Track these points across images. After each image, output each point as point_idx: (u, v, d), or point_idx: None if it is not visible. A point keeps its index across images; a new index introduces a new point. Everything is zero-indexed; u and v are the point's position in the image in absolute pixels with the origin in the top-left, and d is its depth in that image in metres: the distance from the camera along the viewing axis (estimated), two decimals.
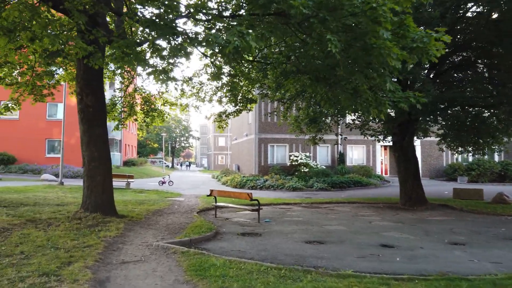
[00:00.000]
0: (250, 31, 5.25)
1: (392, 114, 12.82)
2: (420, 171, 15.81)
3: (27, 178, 23.08)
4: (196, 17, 6.59)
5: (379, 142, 17.21)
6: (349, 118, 16.53)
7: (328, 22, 5.18)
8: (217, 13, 6.76)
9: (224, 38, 4.96)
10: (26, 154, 27.53)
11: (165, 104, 14.74)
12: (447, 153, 28.16)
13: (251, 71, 12.25)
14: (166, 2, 5.89)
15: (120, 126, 13.54)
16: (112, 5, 8.47)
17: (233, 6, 8.01)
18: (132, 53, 6.39)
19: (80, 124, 8.91)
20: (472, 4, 11.35)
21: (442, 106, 12.47)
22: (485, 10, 11.11)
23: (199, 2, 6.11)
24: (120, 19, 8.81)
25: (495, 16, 11.04)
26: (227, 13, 7.20)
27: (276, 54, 10.76)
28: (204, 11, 6.23)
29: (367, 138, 15.62)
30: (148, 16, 6.84)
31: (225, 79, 11.83)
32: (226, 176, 27.59)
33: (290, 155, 26.43)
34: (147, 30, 6.75)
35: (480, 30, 10.81)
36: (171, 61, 6.97)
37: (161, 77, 6.69)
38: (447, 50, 5.72)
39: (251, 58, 10.97)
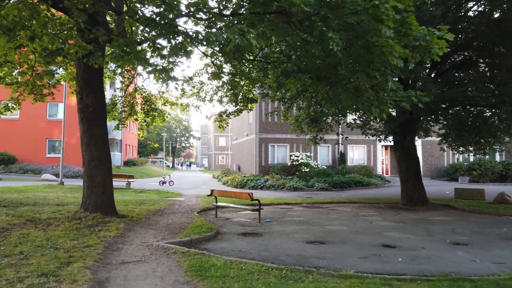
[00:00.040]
0: (251, 29, 5.20)
1: (394, 113, 12.78)
2: (421, 171, 15.75)
3: (28, 178, 23.06)
4: (197, 16, 6.54)
5: (380, 141, 17.17)
6: (350, 118, 16.48)
7: (330, 20, 5.13)
8: (217, 11, 6.71)
9: (225, 36, 4.91)
10: (26, 154, 27.52)
11: (166, 104, 14.71)
12: (448, 153, 28.11)
13: (251, 71, 12.21)
14: (167, 1, 5.84)
15: (120, 125, 13.51)
16: (112, 4, 8.42)
17: (234, 6, 7.97)
18: (132, 52, 6.35)
19: (80, 123, 8.87)
20: (474, 3, 11.31)
21: (444, 106, 12.42)
22: (486, 10, 11.06)
23: (200, 1, 6.06)
24: (120, 18, 8.77)
25: (496, 15, 10.99)
26: (227, 12, 7.16)
27: (276, 53, 10.71)
28: (204, 10, 6.19)
29: (369, 137, 15.57)
30: (148, 15, 6.79)
31: (225, 78, 11.78)
32: (227, 176, 27.56)
33: (291, 155, 26.39)
34: (147, 29, 6.70)
35: (482, 29, 10.75)
36: (171, 60, 6.92)
37: (161, 76, 6.65)
38: (448, 49, 5.65)
39: (251, 58, 10.93)
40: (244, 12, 6.80)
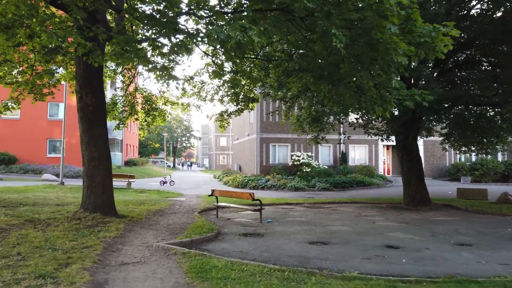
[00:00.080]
0: (253, 26, 5.10)
1: (396, 112, 12.68)
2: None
3: (28, 178, 23.00)
4: (198, 14, 6.45)
5: (383, 141, 17.06)
6: (352, 117, 16.38)
7: (333, 16, 5.03)
8: (218, 8, 6.62)
9: (226, 33, 4.82)
10: (27, 154, 27.47)
11: (166, 104, 14.62)
12: (450, 153, 27.99)
13: (253, 70, 12.11)
14: None
15: (121, 125, 13.42)
16: (112, 2, 8.34)
17: (235, 5, 7.88)
18: (132, 49, 6.26)
19: (80, 123, 8.78)
20: (476, 2, 11.21)
21: (446, 105, 12.31)
22: (489, 8, 10.96)
23: None
24: (120, 16, 8.68)
25: (499, 14, 10.89)
26: (229, 9, 7.07)
27: (278, 52, 10.62)
28: (205, 7, 6.09)
29: (371, 137, 15.48)
30: (148, 13, 6.71)
31: (226, 76, 11.69)
32: (228, 176, 27.47)
33: (292, 155, 26.29)
34: (147, 27, 6.61)
35: (485, 28, 10.65)
36: (171, 57, 6.83)
37: (162, 75, 6.56)
38: (453, 46, 5.57)
39: (253, 56, 10.84)
40: (245, 9, 6.71)
